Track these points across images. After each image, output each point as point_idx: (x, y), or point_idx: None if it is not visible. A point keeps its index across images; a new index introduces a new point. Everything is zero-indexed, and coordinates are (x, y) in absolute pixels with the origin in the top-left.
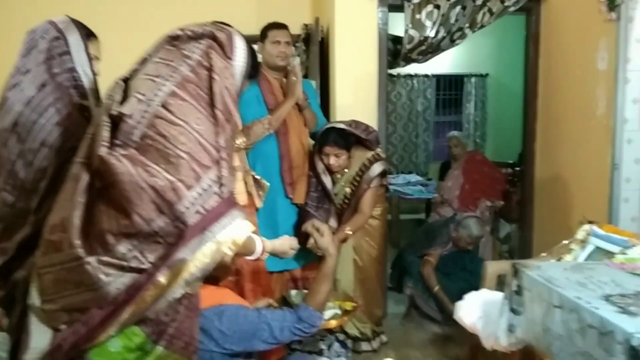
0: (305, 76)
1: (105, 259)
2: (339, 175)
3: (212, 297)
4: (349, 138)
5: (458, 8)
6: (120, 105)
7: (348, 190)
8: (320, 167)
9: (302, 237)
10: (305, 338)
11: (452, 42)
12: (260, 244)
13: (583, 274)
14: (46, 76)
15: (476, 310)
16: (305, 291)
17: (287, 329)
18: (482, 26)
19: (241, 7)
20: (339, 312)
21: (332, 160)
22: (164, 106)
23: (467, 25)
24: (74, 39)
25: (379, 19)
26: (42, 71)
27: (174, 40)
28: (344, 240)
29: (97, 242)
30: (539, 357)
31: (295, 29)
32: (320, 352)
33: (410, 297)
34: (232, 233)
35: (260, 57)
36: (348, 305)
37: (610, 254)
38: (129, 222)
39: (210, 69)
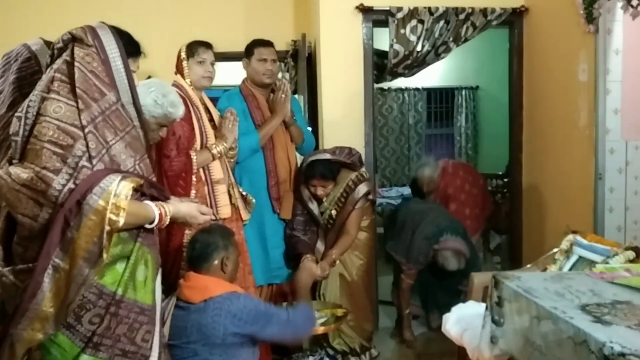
0: (294, 92)
1: (18, 267)
2: (324, 198)
3: (224, 286)
4: (334, 167)
5: (442, 22)
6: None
7: (333, 211)
8: (305, 194)
9: (293, 257)
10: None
11: (437, 56)
12: (156, 209)
13: (562, 284)
14: (17, 94)
15: (463, 322)
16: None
17: (292, 321)
18: (466, 40)
19: (229, 25)
20: (329, 318)
21: (320, 191)
22: (38, 112)
23: (451, 39)
24: (45, 61)
25: (364, 34)
26: (14, 90)
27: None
28: (332, 264)
29: (15, 254)
30: None
31: (282, 45)
32: None
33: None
34: (109, 197)
35: (244, 73)
36: (339, 312)
37: (593, 264)
38: (21, 225)
39: (72, 62)
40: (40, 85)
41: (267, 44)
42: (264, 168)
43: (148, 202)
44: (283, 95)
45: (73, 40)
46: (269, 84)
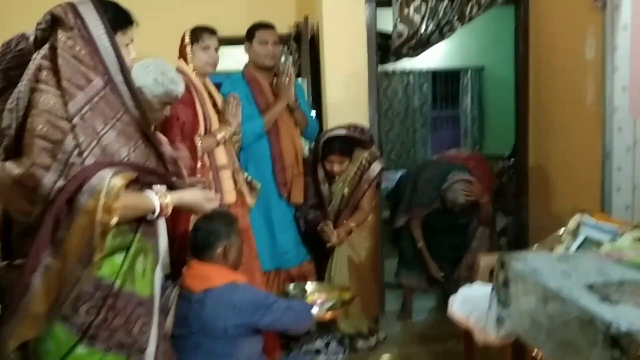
0: (297, 75)
1: (15, 262)
2: (336, 177)
3: (226, 275)
4: (350, 143)
5: (446, 1)
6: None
7: (347, 190)
8: (320, 175)
9: (307, 237)
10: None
11: (442, 36)
12: (156, 199)
13: (569, 264)
14: (5, 83)
15: (469, 304)
16: (303, 283)
17: (291, 308)
18: (471, 19)
19: (230, 8)
20: (336, 302)
21: (336, 168)
22: (29, 104)
23: (455, 18)
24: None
25: (367, 15)
26: (2, 79)
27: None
28: (349, 233)
29: (15, 249)
30: (529, 350)
31: (285, 28)
32: (317, 351)
33: (405, 290)
34: (99, 196)
35: (247, 58)
36: (346, 295)
37: (600, 244)
38: (15, 222)
39: (56, 47)
40: (28, 73)
41: (268, 26)
42: (269, 153)
43: (148, 192)
44: (287, 79)
45: (54, 21)
46: (272, 66)
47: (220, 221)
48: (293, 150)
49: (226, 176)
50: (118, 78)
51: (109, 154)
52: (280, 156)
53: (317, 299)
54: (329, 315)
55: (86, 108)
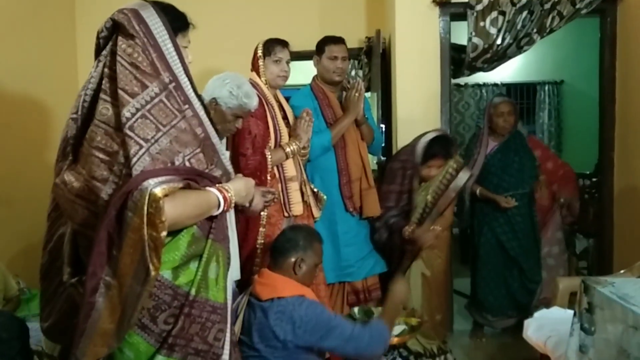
0: (367, 89)
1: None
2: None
3: (294, 288)
4: (448, 147)
5: (525, 13)
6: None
7: (430, 198)
8: (416, 184)
9: (383, 250)
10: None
11: (519, 49)
12: (217, 191)
13: None
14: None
15: (546, 328)
16: (368, 306)
17: (355, 338)
18: (552, 31)
19: (302, 23)
20: (405, 328)
21: (434, 172)
22: (90, 113)
23: (535, 30)
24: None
25: (441, 28)
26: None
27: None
28: (436, 237)
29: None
30: None
31: (356, 42)
32: None
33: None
34: (142, 212)
35: (315, 71)
36: (414, 321)
37: None
38: (80, 235)
39: (115, 53)
40: (92, 82)
41: (338, 40)
42: (336, 166)
43: (209, 188)
44: (357, 94)
45: (115, 27)
46: (339, 81)
47: (303, 233)
48: (360, 163)
49: (294, 188)
50: (183, 78)
51: (161, 161)
52: (347, 169)
53: None
54: (395, 340)
55: (138, 115)
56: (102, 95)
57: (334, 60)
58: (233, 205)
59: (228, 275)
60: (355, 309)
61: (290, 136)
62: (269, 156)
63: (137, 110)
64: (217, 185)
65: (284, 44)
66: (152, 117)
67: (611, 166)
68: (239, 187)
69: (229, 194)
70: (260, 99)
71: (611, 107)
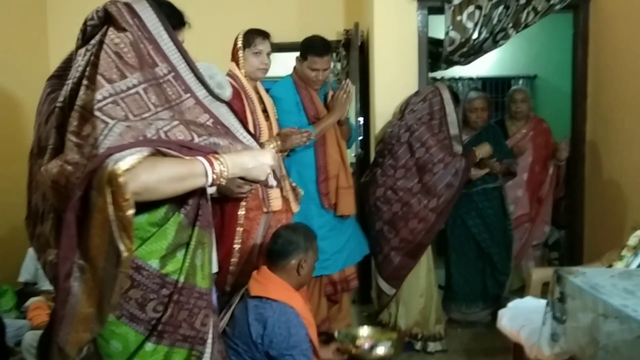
0: None
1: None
2: None
3: (283, 293)
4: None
5: (501, 8)
6: None
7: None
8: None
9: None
10: None
11: (495, 43)
12: (204, 160)
13: (632, 281)
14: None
15: (520, 318)
16: (352, 331)
17: None
18: (527, 26)
19: (283, 15)
20: (390, 343)
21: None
22: (73, 100)
23: (510, 25)
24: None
25: (419, 21)
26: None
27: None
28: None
29: None
30: None
31: (334, 34)
32: None
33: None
34: (104, 189)
35: (297, 70)
36: (393, 335)
37: None
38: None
39: (103, 42)
40: (79, 70)
41: (323, 53)
42: (314, 163)
43: (194, 158)
44: (344, 96)
45: (107, 18)
46: (317, 90)
47: (303, 234)
48: (339, 160)
49: None
50: (182, 68)
51: (130, 136)
52: (325, 166)
53: (364, 342)
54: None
55: (109, 99)
56: (84, 82)
57: (315, 71)
58: (226, 177)
59: (213, 262)
60: (336, 333)
61: (269, 130)
62: None
63: (111, 95)
64: (208, 154)
65: (264, 35)
66: (124, 104)
67: (582, 159)
68: (243, 160)
69: (221, 166)
70: (239, 92)
71: (583, 101)
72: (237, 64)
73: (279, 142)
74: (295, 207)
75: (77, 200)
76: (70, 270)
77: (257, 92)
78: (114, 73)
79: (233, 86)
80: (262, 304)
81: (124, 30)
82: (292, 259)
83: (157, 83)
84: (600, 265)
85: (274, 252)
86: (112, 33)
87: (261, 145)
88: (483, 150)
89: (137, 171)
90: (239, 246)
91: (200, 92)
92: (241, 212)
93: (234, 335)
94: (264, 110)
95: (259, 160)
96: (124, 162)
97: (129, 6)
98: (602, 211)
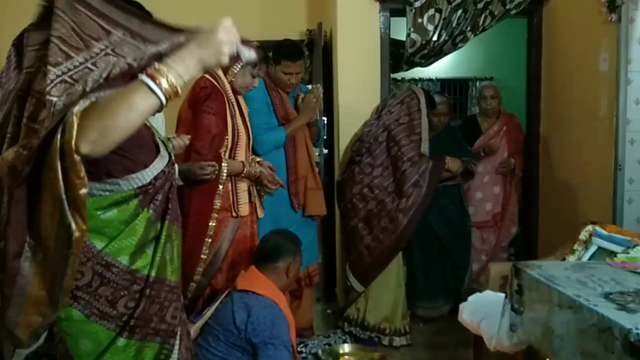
0: (309, 81)
1: None
2: None
3: (269, 289)
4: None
5: (460, 11)
6: None
7: None
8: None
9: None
10: None
11: (455, 46)
12: (146, 78)
13: (584, 273)
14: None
15: (480, 311)
16: (335, 349)
17: None
18: (484, 29)
19: (246, 14)
20: None
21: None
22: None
23: (469, 28)
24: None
25: (381, 23)
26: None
27: None
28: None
29: None
30: (542, 357)
31: (297, 34)
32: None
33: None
34: (57, 165)
35: (269, 72)
36: (376, 356)
37: (613, 254)
38: None
39: (55, 15)
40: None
41: (296, 57)
42: (284, 164)
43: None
44: (314, 100)
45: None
46: (289, 92)
47: (291, 239)
48: (307, 161)
49: (243, 189)
50: (136, 26)
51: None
52: (295, 167)
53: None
54: None
55: (57, 81)
56: (42, 69)
57: (288, 75)
58: (181, 83)
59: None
60: (320, 351)
61: (247, 134)
62: (225, 165)
63: (57, 76)
64: (148, 71)
65: (268, 61)
66: (72, 80)
67: (536, 159)
68: (190, 53)
69: (168, 73)
70: (221, 95)
71: (537, 103)
72: (226, 72)
73: (260, 169)
74: (260, 212)
75: (26, 176)
76: (20, 249)
77: (237, 99)
78: (58, 57)
79: (215, 88)
80: (248, 296)
81: (60, 15)
82: (281, 262)
83: (112, 48)
84: (554, 259)
85: (265, 254)
86: (55, 22)
87: (242, 163)
88: (454, 165)
89: (83, 123)
90: (208, 249)
91: (164, 45)
92: (211, 226)
93: (216, 323)
94: (241, 115)
95: (208, 43)
96: (68, 124)
97: None
98: (556, 208)
